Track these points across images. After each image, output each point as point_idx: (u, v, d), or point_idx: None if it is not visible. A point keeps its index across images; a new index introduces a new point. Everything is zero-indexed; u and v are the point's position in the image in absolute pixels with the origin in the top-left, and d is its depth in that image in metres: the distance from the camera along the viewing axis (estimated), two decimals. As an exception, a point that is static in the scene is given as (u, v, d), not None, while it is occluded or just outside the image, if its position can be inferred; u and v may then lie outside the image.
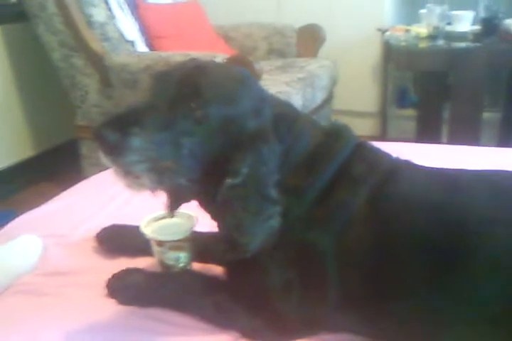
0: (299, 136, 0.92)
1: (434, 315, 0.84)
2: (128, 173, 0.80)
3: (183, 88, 0.84)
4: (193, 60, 0.93)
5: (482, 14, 2.63)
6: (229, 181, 0.84)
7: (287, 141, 0.90)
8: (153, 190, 0.84)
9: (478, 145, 2.19)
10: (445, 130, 2.86)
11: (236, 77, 0.90)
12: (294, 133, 0.92)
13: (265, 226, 0.85)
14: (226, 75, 0.90)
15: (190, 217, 1.08)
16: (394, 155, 0.99)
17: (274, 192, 0.85)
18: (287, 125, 0.91)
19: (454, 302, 0.83)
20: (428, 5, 2.70)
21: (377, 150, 0.99)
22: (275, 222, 0.85)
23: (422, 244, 0.85)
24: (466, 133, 2.63)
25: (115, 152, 0.78)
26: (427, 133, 2.90)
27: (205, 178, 0.86)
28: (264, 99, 0.91)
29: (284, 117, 0.92)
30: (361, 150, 0.96)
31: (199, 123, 0.83)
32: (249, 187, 0.84)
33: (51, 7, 2.40)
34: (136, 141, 0.78)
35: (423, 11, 2.79)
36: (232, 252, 0.87)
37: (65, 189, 1.50)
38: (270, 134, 0.87)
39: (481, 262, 0.82)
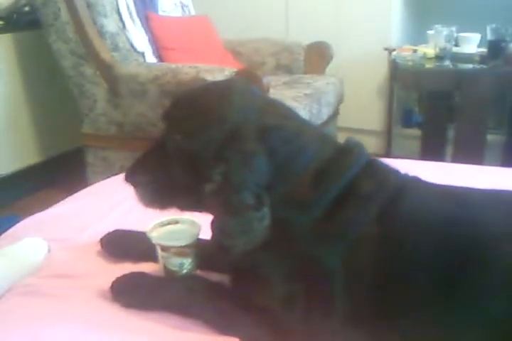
0: (301, 149, 0.94)
1: (444, 332, 0.84)
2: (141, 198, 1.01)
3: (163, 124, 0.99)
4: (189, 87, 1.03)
5: (489, 37, 2.65)
6: (206, 188, 0.90)
7: (282, 152, 0.92)
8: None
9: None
10: (449, 150, 2.88)
11: (206, 106, 0.94)
12: (294, 146, 0.93)
13: (246, 231, 0.87)
14: (196, 107, 0.95)
15: (194, 223, 1.08)
16: (403, 172, 1.00)
17: (250, 198, 0.87)
18: (282, 137, 0.93)
19: (464, 319, 0.83)
20: (436, 26, 2.73)
21: (387, 167, 1.00)
22: (258, 227, 0.87)
23: (432, 260, 0.86)
24: (470, 155, 2.63)
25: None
26: (431, 152, 2.90)
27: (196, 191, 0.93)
28: (247, 116, 0.93)
29: (279, 129, 0.93)
30: (371, 167, 0.97)
31: (170, 156, 0.95)
32: (223, 194, 0.88)
33: (64, 16, 2.43)
34: (141, 187, 1.00)
35: (431, 31, 2.82)
36: (220, 254, 0.94)
37: (68, 196, 1.51)
38: (246, 145, 0.89)
39: (491, 279, 0.82)
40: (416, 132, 3.20)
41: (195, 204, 0.97)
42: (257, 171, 0.88)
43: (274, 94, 2.31)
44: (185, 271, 1.05)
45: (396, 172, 0.99)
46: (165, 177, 0.97)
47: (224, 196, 0.88)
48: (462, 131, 2.73)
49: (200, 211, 0.98)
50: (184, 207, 1.00)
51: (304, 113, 2.43)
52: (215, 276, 1.04)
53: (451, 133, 2.92)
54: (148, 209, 1.01)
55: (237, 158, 0.88)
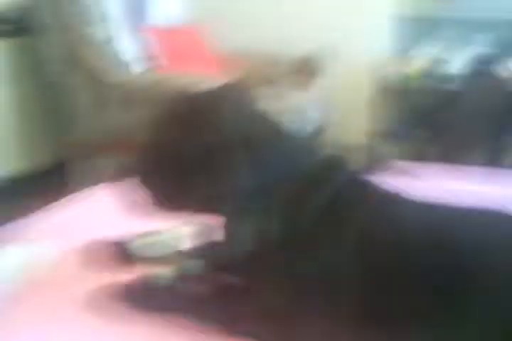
0: (286, 162, 0.95)
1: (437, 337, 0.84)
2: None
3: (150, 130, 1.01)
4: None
5: (476, 55, 2.69)
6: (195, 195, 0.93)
7: (268, 165, 0.93)
8: None
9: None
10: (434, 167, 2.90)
11: (195, 115, 0.96)
12: (279, 158, 0.95)
13: (251, 235, 0.89)
14: (183, 117, 0.97)
15: (178, 234, 1.09)
16: (385, 186, 1.01)
17: (233, 207, 0.90)
18: (269, 150, 0.95)
19: (454, 328, 0.83)
20: (422, 44, 2.77)
21: (369, 182, 1.01)
22: (260, 231, 0.89)
23: (418, 276, 0.86)
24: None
25: None
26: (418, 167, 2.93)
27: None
28: (235, 126, 0.94)
29: (267, 142, 0.95)
30: (353, 182, 0.98)
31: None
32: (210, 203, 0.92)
33: (52, 24, 2.43)
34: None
35: (417, 50, 2.86)
36: (227, 256, 0.96)
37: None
38: (234, 157, 0.91)
39: (483, 285, 0.83)
40: (401, 147, 3.22)
41: (201, 208, 0.97)
42: (242, 182, 0.90)
43: (261, 106, 2.32)
44: (165, 281, 1.05)
45: (378, 187, 1.00)
46: (167, 182, 0.98)
47: (212, 205, 0.91)
48: (446, 149, 2.77)
49: (207, 215, 0.99)
50: (191, 210, 1.00)
51: (289, 126, 2.44)
52: (225, 278, 1.04)
53: (434, 151, 2.95)
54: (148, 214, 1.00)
55: (222, 168, 0.90)
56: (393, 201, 0.99)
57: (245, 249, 0.91)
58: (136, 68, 2.67)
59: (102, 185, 1.54)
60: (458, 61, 2.81)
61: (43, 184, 2.78)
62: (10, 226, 1.34)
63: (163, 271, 1.06)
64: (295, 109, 2.65)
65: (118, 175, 1.03)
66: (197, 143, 0.93)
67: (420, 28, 3.23)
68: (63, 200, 1.51)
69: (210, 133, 0.93)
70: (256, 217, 0.91)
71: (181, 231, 1.08)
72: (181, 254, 1.07)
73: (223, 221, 0.93)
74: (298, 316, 0.91)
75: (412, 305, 0.85)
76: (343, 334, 0.89)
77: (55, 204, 1.49)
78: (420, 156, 2.99)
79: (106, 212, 1.36)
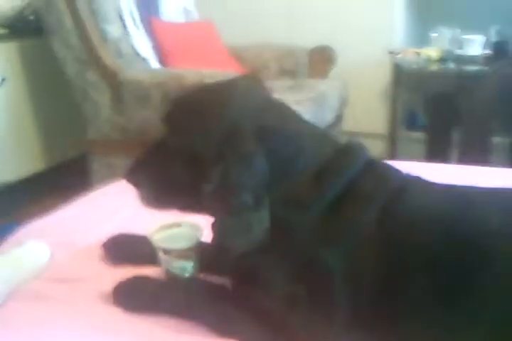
0: (300, 150, 0.93)
1: (446, 335, 0.83)
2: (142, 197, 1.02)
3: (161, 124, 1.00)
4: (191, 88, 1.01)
5: (493, 38, 2.65)
6: (204, 188, 0.89)
7: (282, 153, 0.92)
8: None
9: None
10: (454, 153, 2.87)
11: (206, 106, 0.95)
12: (293, 146, 0.93)
13: (245, 232, 0.87)
14: (196, 107, 0.96)
15: (196, 226, 1.08)
16: (404, 172, 0.99)
17: (248, 199, 0.87)
18: (282, 138, 0.93)
19: (466, 321, 0.82)
20: (439, 28, 2.73)
21: (387, 168, 0.99)
22: (256, 228, 0.87)
23: (433, 262, 0.85)
24: (476, 157, 2.62)
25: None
26: (436, 155, 2.90)
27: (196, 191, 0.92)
28: (247, 116, 0.93)
29: (280, 130, 0.94)
30: (371, 168, 0.96)
31: (170, 156, 0.96)
32: (221, 195, 0.88)
33: (68, 23, 2.45)
34: (142, 187, 1.01)
35: (434, 34, 2.81)
36: (221, 255, 0.94)
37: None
38: (244, 145, 0.89)
39: (493, 279, 0.82)
40: (421, 135, 3.19)
41: (196, 205, 0.97)
42: (255, 172, 0.88)
43: (277, 98, 2.31)
44: (187, 275, 1.05)
45: (397, 172, 0.99)
46: (165, 177, 0.97)
47: (222, 197, 0.88)
48: (467, 133, 2.73)
49: (201, 212, 0.98)
50: (185, 207, 1.00)
51: (307, 117, 2.40)
52: (216, 279, 1.04)
53: (456, 136, 2.91)
54: (149, 208, 1.02)
55: (236, 159, 0.88)
56: (415, 184, 0.97)
57: (244, 246, 0.89)
58: (151, 64, 2.67)
59: (119, 182, 1.54)
60: (476, 44, 2.76)
61: (62, 181, 2.80)
62: (30, 224, 1.35)
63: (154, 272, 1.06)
64: (314, 97, 2.62)
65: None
66: (208, 135, 0.92)
67: (437, 10, 3.19)
68: (83, 197, 1.52)
69: (222, 123, 0.92)
70: (273, 206, 0.89)
71: (200, 222, 1.07)
72: (202, 246, 1.06)
73: (219, 219, 0.90)
74: (289, 317, 0.90)
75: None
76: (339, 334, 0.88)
77: (73, 200, 1.50)
78: (441, 143, 2.95)
79: (125, 206, 1.36)
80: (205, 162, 0.90)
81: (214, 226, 0.90)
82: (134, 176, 1.00)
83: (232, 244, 0.89)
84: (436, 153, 2.94)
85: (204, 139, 0.91)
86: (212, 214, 0.92)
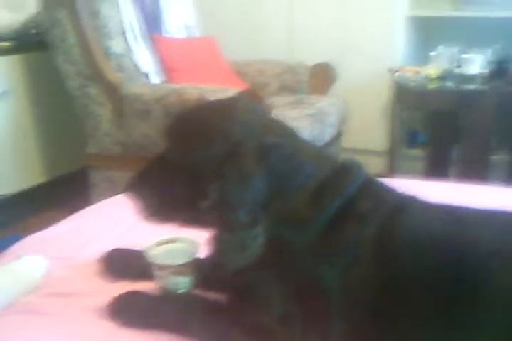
0: (299, 167, 0.94)
1: None
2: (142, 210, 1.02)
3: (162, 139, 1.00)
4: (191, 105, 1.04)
5: (492, 58, 2.67)
6: (203, 204, 0.91)
7: (281, 171, 0.92)
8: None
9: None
10: (453, 170, 2.87)
11: (207, 123, 0.95)
12: (292, 164, 0.94)
13: (241, 248, 0.88)
14: (197, 123, 0.97)
15: (193, 242, 1.09)
16: (400, 191, 1.00)
17: (245, 216, 0.87)
18: (281, 155, 0.94)
19: (462, 337, 0.82)
20: (439, 47, 2.75)
21: (384, 187, 1.00)
22: (252, 244, 0.88)
23: (429, 279, 0.86)
24: (474, 175, 2.63)
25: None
26: (435, 172, 2.90)
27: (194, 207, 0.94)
28: (248, 134, 0.93)
29: (279, 148, 0.94)
30: (368, 187, 0.97)
31: (171, 171, 0.96)
32: (219, 211, 0.89)
33: (71, 38, 2.47)
34: (142, 200, 1.01)
35: (434, 52, 2.84)
36: (216, 271, 0.95)
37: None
38: (245, 162, 0.90)
39: (488, 296, 0.82)
40: (420, 152, 3.20)
41: (194, 220, 0.97)
42: (253, 189, 0.89)
43: (277, 114, 2.32)
44: (182, 290, 1.05)
45: (393, 191, 1.00)
46: (165, 191, 0.98)
47: (220, 213, 0.89)
48: (466, 151, 2.74)
49: (199, 227, 0.98)
50: (184, 222, 1.01)
51: (307, 133, 2.44)
52: (211, 295, 1.04)
53: (455, 154, 2.92)
54: (148, 222, 1.02)
55: (235, 175, 0.89)
56: (412, 203, 0.98)
57: (246, 261, 0.90)
58: (153, 80, 2.69)
59: (118, 196, 1.55)
60: (476, 63, 2.77)
61: (62, 194, 2.81)
62: (29, 237, 1.35)
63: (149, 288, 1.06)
64: (314, 114, 2.64)
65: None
66: (209, 151, 0.93)
67: (437, 29, 3.22)
68: (81, 211, 1.53)
69: (224, 140, 0.92)
70: (263, 227, 0.89)
71: (197, 238, 1.08)
72: (198, 262, 1.07)
73: (216, 235, 0.91)
74: (284, 335, 0.90)
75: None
76: None
77: (72, 214, 1.50)
78: (440, 160, 2.96)
79: (123, 221, 1.37)
80: (206, 178, 0.91)
81: (211, 241, 0.91)
82: (134, 189, 1.01)
83: (227, 261, 0.90)
84: (436, 170, 2.95)
85: (205, 156, 0.92)
86: (209, 229, 0.93)
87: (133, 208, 1.02)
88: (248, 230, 0.88)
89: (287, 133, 1.01)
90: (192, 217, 0.97)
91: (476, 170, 2.67)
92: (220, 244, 0.90)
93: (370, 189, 0.97)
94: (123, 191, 1.02)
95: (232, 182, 0.88)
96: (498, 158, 2.98)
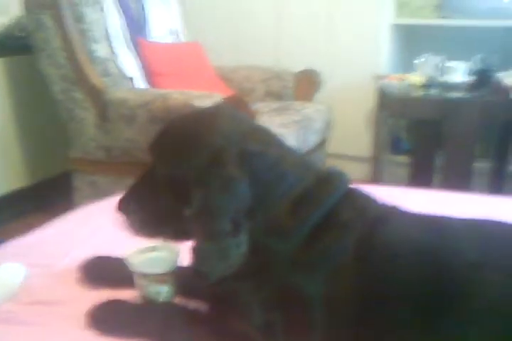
0: (282, 176, 0.94)
1: None
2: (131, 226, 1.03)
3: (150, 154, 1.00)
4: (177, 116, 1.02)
5: (476, 66, 2.69)
6: (186, 212, 0.90)
7: (264, 178, 0.92)
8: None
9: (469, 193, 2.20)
10: (437, 177, 2.89)
11: (190, 133, 0.95)
12: (275, 172, 0.94)
13: (223, 257, 0.87)
14: (180, 134, 0.97)
15: (173, 251, 1.08)
16: (382, 201, 1.00)
17: (227, 224, 0.87)
18: (264, 163, 0.94)
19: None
20: (423, 55, 2.77)
21: (366, 197, 1.00)
22: (234, 253, 0.87)
23: (410, 290, 0.85)
24: (458, 181, 2.65)
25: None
26: (419, 179, 2.92)
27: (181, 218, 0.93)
28: (230, 141, 0.93)
29: (262, 155, 0.94)
30: (350, 197, 0.97)
31: (158, 184, 0.96)
32: (201, 220, 0.88)
33: (55, 41, 2.45)
34: (131, 215, 1.02)
35: (418, 60, 2.85)
36: (198, 280, 0.92)
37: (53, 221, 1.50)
38: (227, 169, 0.89)
39: (470, 306, 0.82)
40: (404, 159, 3.22)
41: (182, 232, 0.97)
42: (236, 197, 0.88)
43: (263, 120, 2.33)
44: (163, 299, 1.05)
45: (375, 201, 1.00)
46: (154, 205, 0.98)
47: (202, 221, 0.88)
48: (450, 158, 2.75)
49: (186, 239, 0.98)
50: (173, 235, 1.01)
51: (292, 139, 2.44)
52: (193, 304, 1.03)
53: (439, 161, 2.94)
54: (137, 236, 1.02)
55: (217, 183, 0.88)
56: (393, 214, 0.98)
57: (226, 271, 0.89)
58: (138, 84, 2.68)
59: (101, 201, 1.54)
60: (460, 71, 2.80)
61: (44, 198, 2.79)
62: (8, 243, 1.34)
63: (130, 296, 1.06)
64: (299, 120, 2.65)
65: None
66: (192, 160, 0.92)
67: (422, 37, 3.24)
68: (64, 215, 1.52)
69: (206, 148, 0.92)
70: (246, 236, 0.89)
71: (178, 247, 1.07)
72: (179, 270, 1.06)
73: (198, 244, 0.90)
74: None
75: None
76: None
77: (55, 219, 1.49)
78: (424, 167, 2.98)
79: (105, 228, 1.36)
80: (188, 187, 0.91)
81: (192, 250, 0.90)
82: (123, 206, 1.01)
83: (207, 270, 0.89)
84: (420, 176, 2.96)
85: (188, 166, 0.92)
86: (191, 236, 0.92)
87: (114, 215, 1.01)
88: (230, 239, 0.87)
89: (271, 141, 1.00)
90: (181, 230, 0.97)
91: (459, 178, 2.69)
92: (200, 253, 0.89)
93: (352, 199, 0.97)
94: (114, 210, 1.02)
95: (214, 189, 0.88)
96: (481, 165, 3.00)
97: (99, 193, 2.46)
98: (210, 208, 0.88)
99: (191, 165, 0.91)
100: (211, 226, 0.87)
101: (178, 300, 1.07)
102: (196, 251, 0.90)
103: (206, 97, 2.24)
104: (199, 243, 0.90)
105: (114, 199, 1.03)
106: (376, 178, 3.20)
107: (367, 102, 3.26)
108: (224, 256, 0.87)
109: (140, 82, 2.70)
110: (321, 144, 2.94)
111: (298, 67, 3.06)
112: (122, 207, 1.01)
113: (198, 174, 0.90)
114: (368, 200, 0.99)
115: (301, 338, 0.89)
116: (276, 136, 1.03)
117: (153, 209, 0.98)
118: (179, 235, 0.99)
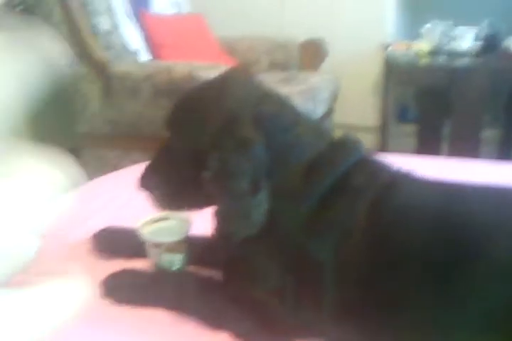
0: (297, 139, 0.94)
1: (435, 325, 0.83)
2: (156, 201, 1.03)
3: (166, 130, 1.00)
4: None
5: (484, 31, 2.65)
6: (204, 175, 0.90)
7: (280, 141, 0.92)
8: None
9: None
10: (445, 145, 2.88)
11: (203, 102, 0.96)
12: (290, 135, 0.93)
13: (244, 216, 0.88)
14: (194, 105, 0.97)
15: (186, 219, 1.08)
16: (395, 167, 0.99)
17: (245, 185, 0.87)
18: (279, 124, 0.93)
19: (455, 312, 0.82)
20: (431, 21, 2.73)
21: (379, 163, 0.99)
22: (256, 212, 0.88)
23: (422, 254, 0.85)
24: (466, 150, 2.64)
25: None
26: (427, 148, 2.91)
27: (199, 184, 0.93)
28: (244, 105, 0.93)
29: (277, 117, 0.94)
30: (363, 163, 0.96)
31: (177, 157, 0.97)
32: (219, 181, 0.89)
33: (57, 15, 2.43)
34: (155, 191, 1.02)
35: (425, 27, 2.81)
36: (221, 240, 0.94)
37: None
38: (242, 130, 0.89)
39: (482, 271, 0.82)
40: (412, 127, 3.20)
41: (206, 199, 0.96)
42: (252, 156, 0.88)
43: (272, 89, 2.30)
44: (176, 267, 1.05)
45: (388, 167, 0.99)
46: (174, 178, 0.99)
47: (220, 183, 0.89)
48: (458, 126, 2.74)
49: (212, 205, 0.97)
50: (197, 204, 1.01)
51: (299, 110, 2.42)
52: (205, 272, 1.04)
53: (447, 129, 2.92)
54: (163, 209, 1.04)
55: (232, 144, 0.88)
56: (406, 179, 0.98)
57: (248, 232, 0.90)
58: (142, 57, 2.66)
59: (109, 175, 1.54)
60: (467, 38, 2.76)
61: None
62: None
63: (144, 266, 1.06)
64: (305, 90, 2.62)
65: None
66: (207, 126, 0.92)
67: (428, 4, 3.19)
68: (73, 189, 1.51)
69: (220, 114, 0.92)
70: (265, 195, 0.89)
71: (189, 216, 1.07)
72: (191, 239, 1.06)
73: (219, 206, 0.91)
74: (279, 307, 0.91)
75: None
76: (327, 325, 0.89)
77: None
78: (432, 136, 2.96)
79: (114, 199, 1.36)
80: (206, 151, 0.91)
81: (214, 213, 0.91)
82: (145, 182, 1.02)
83: (232, 229, 0.90)
84: (427, 145, 2.95)
85: (204, 131, 0.92)
86: (214, 202, 0.93)
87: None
88: (250, 198, 0.87)
89: (285, 105, 1.00)
90: (202, 197, 0.96)
91: (467, 147, 2.67)
92: (223, 214, 0.90)
93: (365, 165, 0.96)
94: (135, 186, 1.02)
95: (231, 150, 0.88)
96: (489, 133, 2.98)
97: (106, 167, 2.46)
98: (227, 169, 0.88)
99: (207, 130, 0.91)
100: (230, 187, 0.88)
101: (190, 268, 1.07)
102: (218, 213, 0.91)
103: (211, 68, 2.21)
104: (221, 205, 0.90)
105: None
106: (383, 148, 3.19)
107: (373, 71, 3.23)
108: (246, 215, 0.88)
109: (143, 55, 2.68)
110: (328, 114, 2.92)
111: (303, 36, 3.03)
112: (144, 183, 1.02)
113: (214, 138, 0.90)
114: (381, 166, 0.98)
115: (313, 301, 0.89)
116: (289, 101, 1.02)
117: (175, 182, 0.99)
118: (204, 202, 0.99)
